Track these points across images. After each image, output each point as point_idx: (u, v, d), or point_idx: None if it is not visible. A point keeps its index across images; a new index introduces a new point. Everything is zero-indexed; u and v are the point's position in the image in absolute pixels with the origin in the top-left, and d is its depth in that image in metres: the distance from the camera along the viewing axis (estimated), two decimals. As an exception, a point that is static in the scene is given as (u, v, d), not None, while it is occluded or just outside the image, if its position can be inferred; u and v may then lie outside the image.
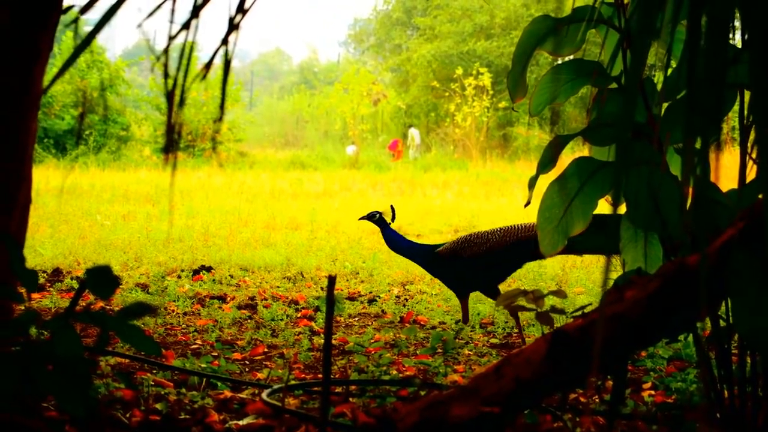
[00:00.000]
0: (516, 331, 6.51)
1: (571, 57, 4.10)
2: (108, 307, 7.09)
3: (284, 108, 55.46)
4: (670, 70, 3.58)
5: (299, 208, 16.00)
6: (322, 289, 8.46)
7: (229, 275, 8.93)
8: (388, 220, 6.57)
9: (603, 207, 4.00)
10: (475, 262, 6.32)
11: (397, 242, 6.53)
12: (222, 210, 15.18)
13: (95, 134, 30.39)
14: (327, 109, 44.70)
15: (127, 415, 3.86)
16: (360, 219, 6.79)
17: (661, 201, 3.55)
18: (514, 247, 6.29)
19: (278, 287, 8.51)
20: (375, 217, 6.57)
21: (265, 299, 7.76)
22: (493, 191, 21.33)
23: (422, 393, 4.40)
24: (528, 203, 3.99)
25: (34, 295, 7.44)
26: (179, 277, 8.80)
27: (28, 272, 2.56)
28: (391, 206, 6.62)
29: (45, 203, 14.42)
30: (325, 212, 15.44)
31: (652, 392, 4.60)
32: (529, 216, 5.75)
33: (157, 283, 8.33)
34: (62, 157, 28.29)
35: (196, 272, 8.97)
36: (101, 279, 2.51)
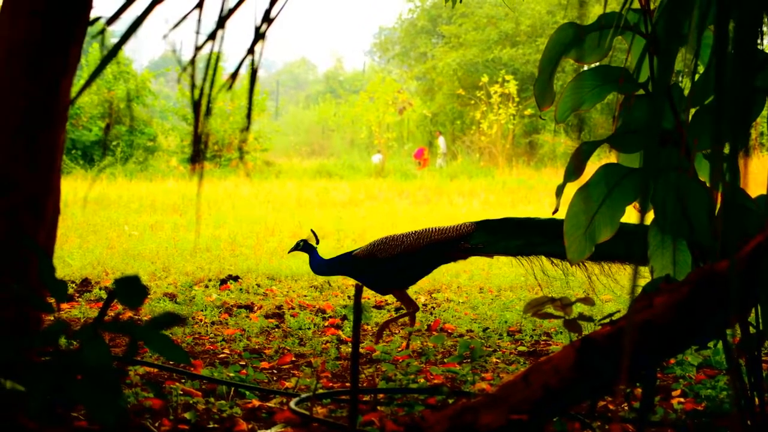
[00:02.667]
0: (544, 338, 6.49)
1: (597, 64, 4.09)
2: (136, 316, 7.11)
3: (310, 117, 55.52)
4: (697, 76, 3.57)
5: (326, 217, 16.02)
6: (348, 297, 8.47)
7: (256, 284, 8.95)
8: (313, 244, 6.57)
9: (630, 214, 3.98)
10: (390, 264, 6.33)
11: (321, 264, 6.53)
12: (249, 219, 15.22)
13: (122, 145, 30.54)
14: (353, 117, 44.71)
15: (156, 424, 3.88)
16: (290, 252, 6.77)
17: (689, 207, 3.54)
18: (427, 249, 6.31)
19: (305, 296, 8.52)
20: (300, 246, 6.57)
21: (293, 308, 7.77)
22: (519, 199, 21.27)
23: (450, 401, 4.39)
24: (556, 210, 3.98)
25: (63, 305, 7.48)
26: (207, 286, 8.83)
27: (58, 282, 2.57)
28: (312, 230, 6.62)
29: (73, 214, 14.50)
30: (351, 221, 15.44)
31: (682, 400, 4.56)
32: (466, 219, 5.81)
33: (185, 293, 8.36)
34: (90, 168, 28.44)
35: (223, 282, 8.99)
36: (130, 289, 2.52)
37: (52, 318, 6.39)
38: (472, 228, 6.26)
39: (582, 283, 8.89)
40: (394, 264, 6.31)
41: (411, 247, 6.31)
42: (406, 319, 6.59)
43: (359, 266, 6.40)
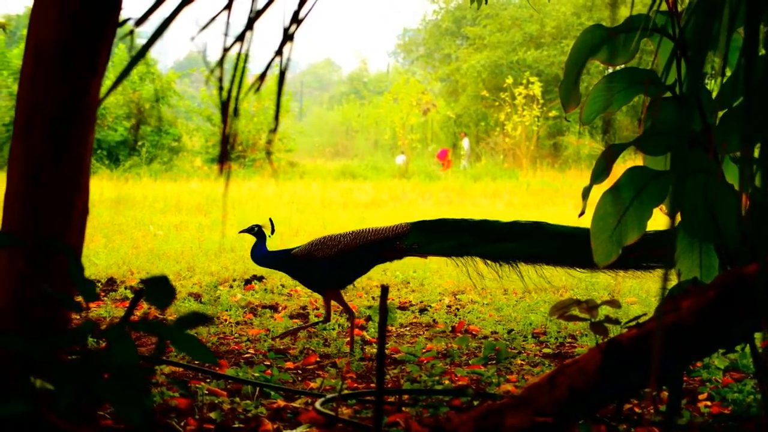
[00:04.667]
0: (569, 341, 6.48)
1: (623, 66, 4.09)
2: (161, 316, 7.14)
3: (334, 118, 55.55)
4: (725, 78, 3.56)
5: (349, 218, 16.02)
6: (373, 298, 8.47)
7: (281, 285, 8.97)
8: (268, 233, 6.58)
9: (657, 216, 3.97)
10: (327, 263, 6.34)
11: (261, 254, 6.54)
12: (273, 220, 15.22)
13: (147, 145, 30.68)
14: (376, 119, 44.71)
15: (182, 424, 3.89)
16: (240, 232, 6.79)
17: (717, 210, 3.52)
18: (363, 249, 6.32)
19: (330, 297, 8.53)
20: (254, 230, 6.58)
21: (317, 308, 7.78)
22: (543, 201, 21.21)
23: (475, 403, 4.39)
24: (582, 213, 3.97)
25: (90, 305, 7.52)
26: (231, 286, 8.85)
27: (87, 282, 2.59)
28: (270, 219, 6.63)
29: (99, 213, 14.57)
30: (375, 222, 15.43)
31: (708, 403, 4.54)
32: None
33: (210, 293, 8.39)
34: (115, 168, 28.56)
35: (248, 282, 9.01)
36: (159, 289, 2.53)
37: (78, 317, 6.44)
38: (407, 228, 6.30)
39: (607, 286, 8.90)
40: (330, 263, 6.34)
41: (347, 246, 6.34)
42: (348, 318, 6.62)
43: (297, 264, 6.42)
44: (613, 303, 4.05)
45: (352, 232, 6.44)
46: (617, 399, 3.64)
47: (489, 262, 6.17)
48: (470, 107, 44.42)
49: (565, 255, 5.98)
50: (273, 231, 6.58)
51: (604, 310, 6.17)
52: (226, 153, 2.76)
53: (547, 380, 3.15)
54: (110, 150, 30.34)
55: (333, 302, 6.49)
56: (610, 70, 4.11)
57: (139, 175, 26.44)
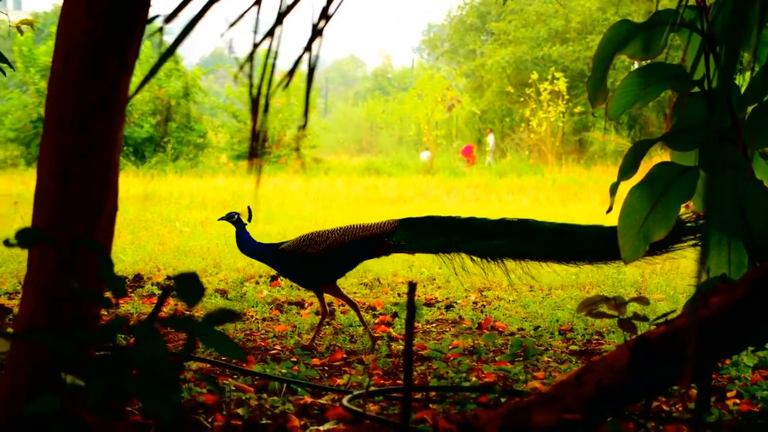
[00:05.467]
0: (596, 338, 6.46)
1: (649, 61, 4.06)
2: (187, 312, 7.17)
3: (359, 114, 55.55)
4: (754, 73, 3.53)
5: (374, 214, 16.00)
6: (399, 295, 8.47)
7: (307, 281, 8.97)
8: (245, 221, 6.58)
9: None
10: (315, 258, 6.34)
11: (247, 244, 6.54)
12: (299, 216, 15.26)
13: (173, 142, 30.79)
14: (401, 115, 44.70)
15: (210, 420, 3.90)
16: (219, 220, 6.79)
17: (746, 206, 3.50)
18: (351, 245, 6.33)
19: (355, 293, 8.54)
20: (233, 218, 6.58)
21: (343, 305, 7.79)
22: (569, 197, 21.14)
23: (502, 400, 4.38)
24: (610, 209, 3.96)
25: (118, 301, 7.56)
26: (257, 282, 8.87)
27: (116, 278, 2.60)
28: (248, 207, 6.63)
29: (125, 210, 14.62)
30: (399, 218, 15.41)
31: (737, 401, 4.52)
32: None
33: (236, 289, 8.41)
34: (141, 164, 28.68)
35: (273, 278, 9.03)
36: (188, 286, 2.54)
37: (106, 313, 6.47)
38: (394, 225, 6.32)
39: (634, 283, 8.87)
40: (318, 259, 6.35)
41: (335, 243, 6.36)
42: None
43: (285, 259, 6.43)
44: (642, 300, 4.03)
45: (340, 228, 6.47)
46: (645, 396, 3.62)
47: (475, 258, 6.20)
48: (495, 103, 44.33)
49: (551, 250, 6.04)
50: (250, 219, 6.58)
51: (632, 307, 6.15)
52: (255, 149, 2.76)
53: (574, 377, 3.15)
54: (136, 147, 30.48)
55: (329, 297, 6.52)
56: (636, 65, 4.09)
57: (165, 172, 26.55)
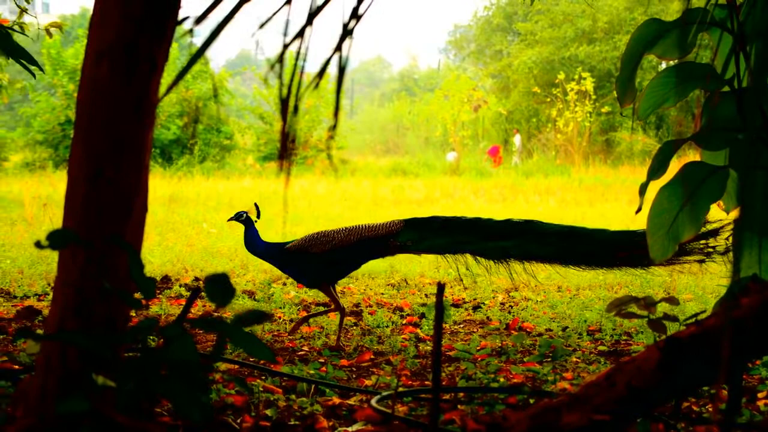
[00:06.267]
0: (625, 338, 6.43)
1: (677, 60, 4.04)
2: (215, 313, 7.19)
3: (385, 115, 55.56)
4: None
5: (401, 215, 15.96)
6: (426, 296, 8.47)
7: (335, 282, 8.98)
8: (254, 218, 6.60)
9: (714, 211, 3.93)
10: (321, 258, 6.35)
11: (255, 243, 6.56)
12: (325, 217, 15.28)
13: (200, 143, 30.91)
14: (427, 115, 44.66)
15: (238, 421, 3.92)
16: (228, 221, 6.82)
17: (777, 206, 3.48)
18: (357, 245, 6.33)
19: (382, 294, 8.54)
20: (242, 217, 6.60)
21: (370, 306, 7.80)
22: (596, 197, 21.06)
23: (531, 401, 4.37)
24: (639, 209, 3.94)
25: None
26: (285, 284, 8.89)
27: (147, 279, 2.61)
28: (255, 204, 6.65)
29: (153, 212, 14.67)
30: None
31: (768, 401, 4.49)
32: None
33: (264, 290, 8.43)
34: (168, 166, 28.81)
35: (301, 280, 9.04)
36: (218, 287, 2.54)
37: (134, 314, 6.50)
38: (400, 226, 6.34)
39: (662, 283, 8.82)
40: (324, 258, 6.36)
41: (341, 243, 6.37)
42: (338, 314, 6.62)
43: (291, 259, 6.44)
44: (671, 300, 4.01)
45: (346, 228, 6.49)
46: (675, 397, 3.60)
47: (480, 259, 6.23)
48: (521, 103, 44.25)
49: (558, 253, 6.06)
50: (258, 216, 6.61)
51: (661, 307, 6.12)
52: (285, 149, 2.77)
53: (604, 378, 3.13)
54: (163, 149, 30.62)
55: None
56: (664, 65, 4.07)
57: (192, 174, 26.65)
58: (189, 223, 13.84)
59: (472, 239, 6.22)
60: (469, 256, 6.29)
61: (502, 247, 6.16)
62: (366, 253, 6.46)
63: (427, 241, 6.32)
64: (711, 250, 5.70)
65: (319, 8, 2.61)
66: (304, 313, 7.43)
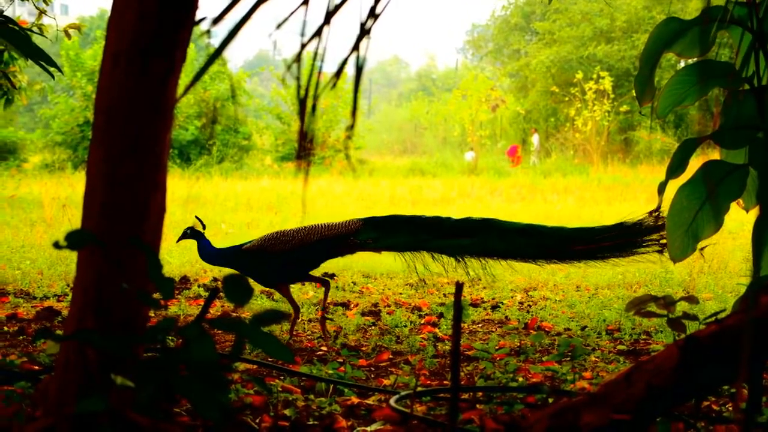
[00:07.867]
0: (644, 337, 6.41)
1: (696, 59, 4.03)
2: (234, 313, 7.20)
3: (402, 115, 55.56)
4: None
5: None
6: (444, 295, 8.46)
7: (352, 282, 8.99)
8: (200, 230, 6.60)
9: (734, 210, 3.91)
10: (279, 258, 6.35)
11: (208, 252, 6.56)
12: (343, 217, 15.20)
13: (218, 144, 30.99)
14: (445, 115, 44.68)
15: (257, 421, 3.92)
16: (178, 241, 6.83)
17: (797, 204, 3.46)
18: (317, 244, 6.34)
19: (400, 294, 8.54)
20: (188, 234, 6.60)
21: (388, 305, 7.79)
22: (615, 196, 21.00)
23: (550, 400, 4.36)
24: (658, 208, 3.93)
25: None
26: (303, 284, 8.89)
27: (165, 280, 2.61)
28: (196, 216, 6.67)
29: (171, 212, 14.70)
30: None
31: (789, 401, 4.46)
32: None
33: (282, 290, 8.43)
34: (186, 167, 28.89)
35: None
36: (236, 287, 2.55)
37: (153, 314, 6.51)
38: (359, 224, 6.36)
39: (681, 282, 8.79)
40: (283, 258, 6.37)
41: (301, 242, 6.38)
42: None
43: (249, 260, 6.44)
44: (691, 299, 3.99)
45: (305, 227, 6.50)
46: (695, 396, 3.59)
47: (437, 256, 6.29)
48: (540, 103, 44.19)
49: (516, 249, 6.23)
50: (204, 227, 6.64)
51: (680, 306, 6.10)
52: (303, 149, 2.77)
53: (623, 377, 3.12)
54: (181, 149, 30.72)
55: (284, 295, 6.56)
56: (683, 63, 4.06)
57: (210, 174, 26.71)
58: (207, 224, 13.81)
59: (431, 237, 6.27)
60: (425, 253, 6.34)
61: (460, 245, 6.22)
62: (326, 252, 6.49)
63: (387, 238, 6.36)
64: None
65: (337, 8, 2.61)
66: (321, 313, 7.43)
